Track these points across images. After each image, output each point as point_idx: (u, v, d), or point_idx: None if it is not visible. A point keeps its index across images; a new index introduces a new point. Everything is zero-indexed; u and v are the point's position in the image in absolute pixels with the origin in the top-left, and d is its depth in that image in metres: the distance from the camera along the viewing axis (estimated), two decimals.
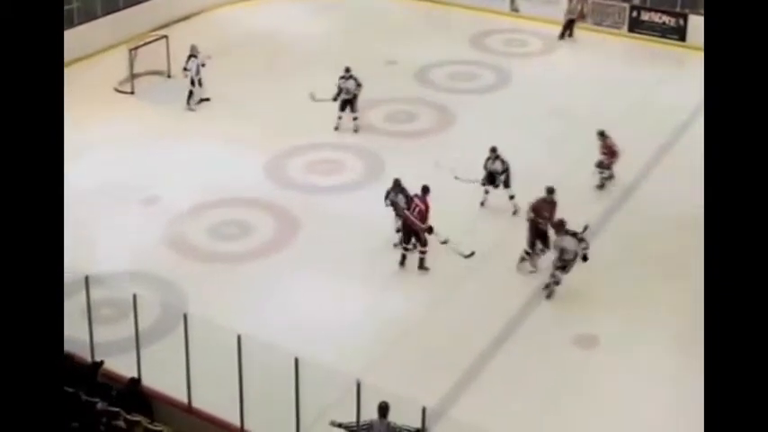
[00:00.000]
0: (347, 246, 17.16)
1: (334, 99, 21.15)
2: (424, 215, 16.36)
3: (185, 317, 12.95)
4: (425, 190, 16.57)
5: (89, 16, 25.78)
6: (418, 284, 16.31)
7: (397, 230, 17.01)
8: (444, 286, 16.33)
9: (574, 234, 15.71)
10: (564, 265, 15.76)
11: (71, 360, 13.55)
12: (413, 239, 16.56)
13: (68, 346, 13.92)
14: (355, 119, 21.39)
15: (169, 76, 24.12)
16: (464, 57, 25.91)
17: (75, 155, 20.23)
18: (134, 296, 13.28)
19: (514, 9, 28.88)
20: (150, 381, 13.49)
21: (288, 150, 20.65)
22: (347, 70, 21.26)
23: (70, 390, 13.12)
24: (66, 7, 24.76)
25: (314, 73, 23.72)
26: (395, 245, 16.95)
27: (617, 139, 19.23)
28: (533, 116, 22.34)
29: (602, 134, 19.17)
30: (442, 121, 22.22)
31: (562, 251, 15.74)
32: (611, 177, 19.31)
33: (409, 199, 16.68)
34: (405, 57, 25.66)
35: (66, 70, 23.90)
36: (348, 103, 21.30)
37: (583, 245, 15.72)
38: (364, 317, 15.59)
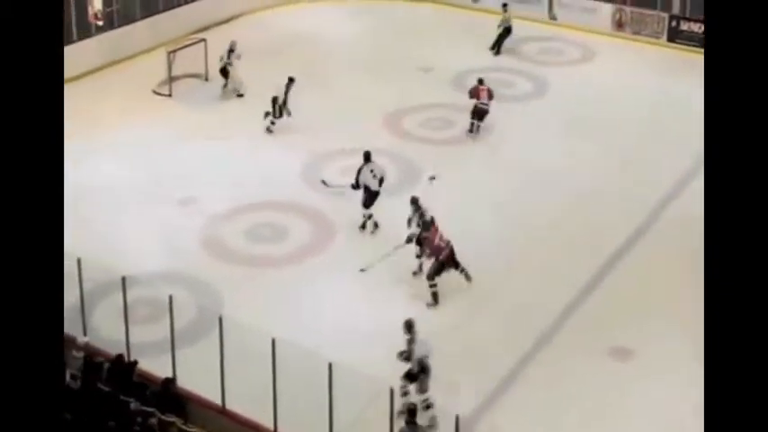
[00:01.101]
0: (382, 252, 17.07)
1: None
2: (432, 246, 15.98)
3: (220, 319, 13.03)
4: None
5: (128, 19, 26.00)
6: (454, 292, 16.26)
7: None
8: (478, 296, 16.25)
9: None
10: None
11: (121, 361, 13.66)
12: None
13: (105, 346, 14.18)
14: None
15: (207, 80, 24.26)
16: (500, 64, 25.86)
17: (112, 155, 20.56)
18: (170, 297, 13.36)
19: (552, 17, 28.80)
20: (184, 382, 13.55)
21: (324, 154, 20.69)
22: (367, 156, 18.17)
23: (107, 389, 13.25)
24: (106, 10, 25.02)
25: (352, 77, 23.74)
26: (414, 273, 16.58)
27: (654, 150, 19.17)
28: (569, 125, 22.25)
29: (480, 81, 21.56)
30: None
31: None
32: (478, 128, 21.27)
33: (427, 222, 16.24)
34: (441, 63, 25.65)
35: (104, 72, 24.75)
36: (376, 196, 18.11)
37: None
38: (399, 323, 15.52)
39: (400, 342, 13.81)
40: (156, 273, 16.27)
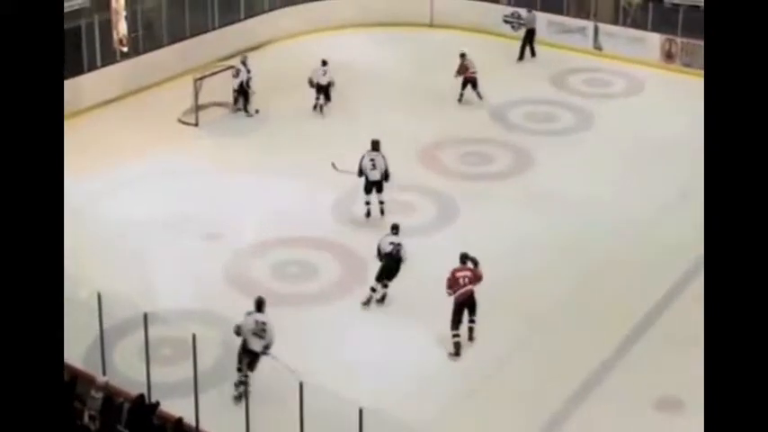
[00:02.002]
0: (417, 292, 17.19)
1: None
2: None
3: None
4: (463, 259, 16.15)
5: (154, 45, 26.41)
6: (492, 334, 16.30)
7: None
8: (519, 338, 16.30)
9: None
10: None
11: (141, 402, 13.78)
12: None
13: (126, 386, 14.31)
14: (381, 203, 19.78)
15: (242, 109, 24.58)
16: (543, 96, 26.02)
17: (135, 186, 20.84)
18: (193, 336, 13.43)
19: (597, 47, 28.93)
20: (208, 425, 13.60)
21: (357, 189, 20.83)
22: (374, 146, 19.56)
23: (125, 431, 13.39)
24: (131, 35, 25.45)
25: (385, 107, 23.95)
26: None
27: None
28: (616, 161, 22.31)
29: (462, 55, 24.80)
30: (518, 164, 22.29)
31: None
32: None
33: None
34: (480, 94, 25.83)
35: (129, 100, 25.12)
36: (374, 185, 19.65)
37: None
38: (434, 366, 15.61)
39: (436, 385, 13.79)
40: (180, 310, 16.47)
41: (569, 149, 23.01)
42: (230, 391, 14.43)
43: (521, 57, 28.24)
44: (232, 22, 28.37)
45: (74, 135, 19.81)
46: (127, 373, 14.86)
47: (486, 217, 19.66)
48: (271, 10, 29.67)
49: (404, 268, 17.19)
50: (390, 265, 16.87)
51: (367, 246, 18.50)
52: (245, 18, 28.85)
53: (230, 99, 24.67)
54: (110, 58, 25.29)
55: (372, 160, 19.33)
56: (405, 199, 20.50)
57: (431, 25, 30.70)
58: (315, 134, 23.22)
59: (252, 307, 14.75)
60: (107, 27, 25.00)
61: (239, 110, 24.56)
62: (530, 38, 28.48)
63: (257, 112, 24.47)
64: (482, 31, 30.15)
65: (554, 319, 16.77)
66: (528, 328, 16.53)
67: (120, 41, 25.18)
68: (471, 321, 16.01)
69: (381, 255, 16.91)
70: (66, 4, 22.76)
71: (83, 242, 17.91)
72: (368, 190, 19.54)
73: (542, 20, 29.31)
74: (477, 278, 15.92)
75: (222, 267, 18.09)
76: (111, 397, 13.98)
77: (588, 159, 22.43)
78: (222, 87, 24.31)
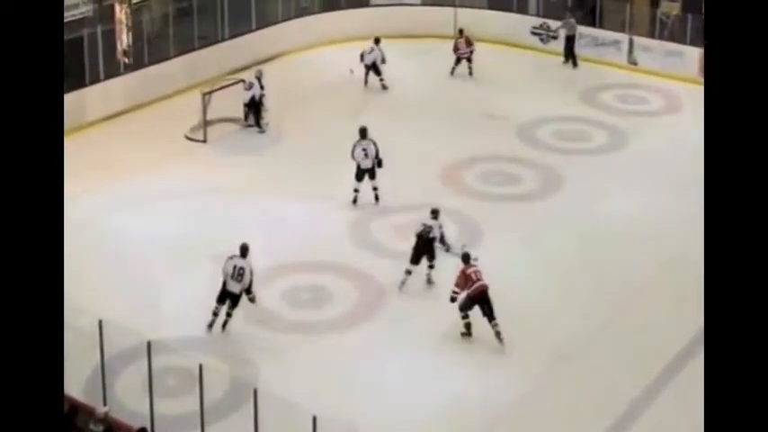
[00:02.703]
0: (439, 320, 17.23)
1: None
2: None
3: (255, 392, 13.15)
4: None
5: (160, 56, 26.61)
6: (522, 361, 16.34)
7: None
8: (549, 367, 16.33)
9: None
10: None
11: None
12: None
13: (128, 419, 14.38)
14: (375, 189, 21.14)
15: (251, 126, 24.74)
16: (574, 113, 26.10)
17: (140, 206, 20.95)
18: (200, 366, 13.53)
19: (632, 61, 28.99)
20: None
21: (374, 210, 20.96)
22: (362, 133, 21.15)
23: None
24: (137, 46, 25.67)
25: (405, 123, 24.05)
26: None
27: None
28: (651, 183, 22.33)
29: (461, 31, 27.84)
30: (546, 185, 22.35)
31: None
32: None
33: None
34: (506, 110, 25.96)
35: (134, 115, 25.31)
36: (366, 172, 21.06)
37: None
38: (460, 400, 15.59)
39: (463, 420, 13.76)
40: (186, 338, 16.55)
41: (601, 170, 23.03)
42: (238, 424, 14.46)
43: (567, 60, 28.85)
44: (243, 33, 28.63)
45: (75, 151, 20.02)
46: (129, 404, 14.93)
47: (510, 241, 19.68)
48: (284, 20, 29.90)
49: (423, 294, 17.55)
50: (419, 245, 18.06)
51: (385, 270, 18.67)
52: (257, 29, 29.07)
53: (240, 114, 24.83)
54: (114, 70, 25.52)
55: (364, 149, 20.83)
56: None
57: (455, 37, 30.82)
58: (330, 151, 23.35)
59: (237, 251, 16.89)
60: (111, 38, 25.24)
61: (250, 126, 24.73)
62: (570, 45, 28.65)
63: (268, 125, 24.62)
64: (509, 43, 30.33)
65: (585, 348, 16.77)
66: (557, 357, 16.53)
67: (125, 53, 25.41)
68: (495, 326, 16.44)
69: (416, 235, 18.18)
70: (67, 14, 23.02)
71: (83, 265, 18.03)
72: (359, 177, 20.99)
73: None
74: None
75: None
76: (112, 429, 14.03)
77: (622, 181, 22.42)
78: (232, 102, 24.48)
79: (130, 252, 19.29)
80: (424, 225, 18.16)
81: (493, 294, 16.59)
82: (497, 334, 16.38)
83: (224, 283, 16.80)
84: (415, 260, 18.08)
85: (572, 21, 29.02)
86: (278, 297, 18.07)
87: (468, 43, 28.14)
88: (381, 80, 26.83)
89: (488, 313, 16.43)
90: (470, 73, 28.03)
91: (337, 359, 16.49)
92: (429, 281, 18.29)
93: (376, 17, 30.86)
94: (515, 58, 29.94)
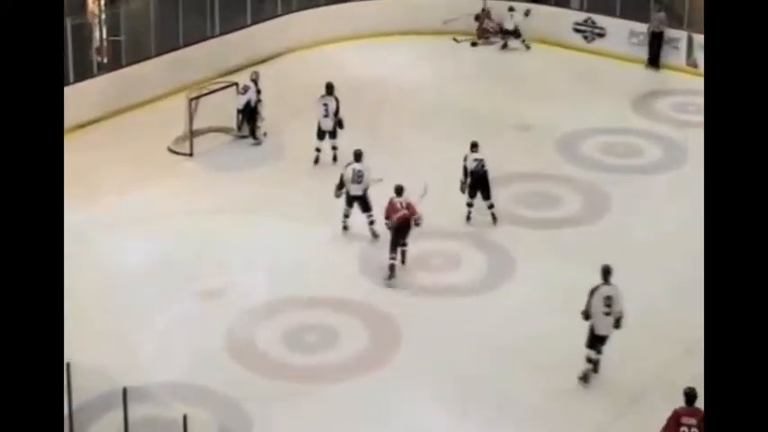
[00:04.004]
0: (467, 365, 17.33)
1: None
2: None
3: None
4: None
5: (140, 55, 26.77)
6: (570, 414, 16.34)
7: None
8: (602, 417, 16.36)
9: None
10: None
11: None
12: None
13: None
14: (334, 148, 23.50)
15: (245, 136, 24.92)
16: (623, 124, 26.22)
17: (115, 229, 21.02)
18: (184, 417, 13.54)
19: (692, 63, 29.00)
20: None
21: (389, 237, 20.97)
22: (328, 89, 23.46)
23: None
24: (111, 38, 25.79)
25: (426, 133, 24.13)
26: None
27: None
28: None
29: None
30: (591, 208, 22.41)
31: None
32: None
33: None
34: (544, 121, 26.08)
35: (109, 123, 25.42)
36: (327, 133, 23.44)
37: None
38: None
39: None
40: (168, 384, 16.55)
41: (655, 190, 23.08)
42: None
43: (652, 63, 29.10)
44: (236, 29, 28.79)
45: None
46: None
47: (547, 274, 19.64)
48: (284, 14, 30.10)
49: (442, 335, 17.76)
50: (477, 181, 21.11)
51: (399, 306, 18.75)
52: (253, 24, 29.28)
53: (233, 123, 24.94)
54: (85, 71, 25.62)
55: (325, 105, 23.20)
56: (449, 249, 20.74)
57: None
58: (336, 167, 23.43)
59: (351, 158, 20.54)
60: (82, 33, 25.35)
61: (244, 136, 24.83)
62: (658, 44, 28.81)
63: (265, 135, 24.75)
64: (547, 41, 30.44)
65: (638, 397, 16.77)
66: (614, 408, 16.54)
67: (98, 51, 25.52)
68: (403, 245, 19.58)
69: (467, 173, 21.12)
70: None
71: None
72: (320, 136, 23.35)
73: (623, 29, 29.54)
74: (411, 209, 19.47)
75: (222, 333, 18.17)
76: None
77: (679, 203, 22.35)
78: (223, 109, 24.60)
79: (102, 282, 19.34)
80: (477, 160, 21.09)
81: (524, 345, 17.13)
82: (403, 254, 19.64)
83: (347, 191, 20.63)
84: (473, 195, 21.33)
85: (662, 15, 28.94)
86: (277, 337, 18.12)
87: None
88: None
89: (402, 243, 19.51)
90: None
91: (342, 411, 16.47)
92: (494, 217, 21.39)
93: (389, 10, 31.03)
94: (555, 58, 30.01)
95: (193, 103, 24.31)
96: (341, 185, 20.70)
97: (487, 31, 30.19)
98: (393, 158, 23.14)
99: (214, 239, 20.94)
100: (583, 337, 16.77)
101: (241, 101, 24.58)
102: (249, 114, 24.67)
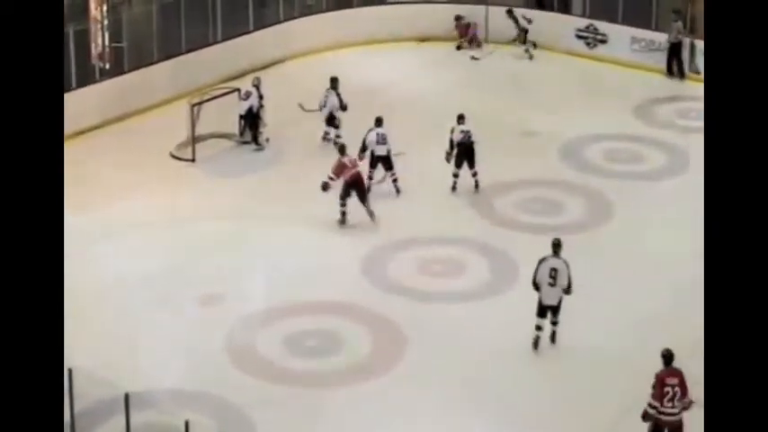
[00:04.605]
0: (470, 370, 17.30)
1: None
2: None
3: None
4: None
5: (142, 61, 26.79)
6: (578, 418, 16.27)
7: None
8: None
9: None
10: None
11: None
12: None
13: None
14: (336, 136, 24.32)
15: (247, 142, 24.90)
16: (626, 130, 26.16)
17: (116, 236, 21.01)
18: (186, 423, 13.56)
19: (694, 69, 28.96)
20: None
21: (393, 243, 20.97)
22: (332, 82, 24.49)
23: None
24: (113, 44, 25.77)
25: (429, 141, 24.09)
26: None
27: None
28: None
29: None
30: (594, 214, 22.38)
31: None
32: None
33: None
34: (547, 127, 26.05)
35: (111, 129, 25.40)
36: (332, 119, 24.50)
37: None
38: None
39: None
40: (169, 390, 16.55)
41: (658, 197, 23.04)
42: None
43: (672, 72, 28.90)
44: (239, 35, 28.79)
45: None
46: None
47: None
48: (287, 20, 30.10)
49: (446, 339, 17.83)
50: (464, 151, 22.47)
51: (402, 311, 18.72)
52: (255, 30, 29.25)
53: (235, 129, 24.94)
54: (87, 77, 25.63)
55: (326, 97, 24.42)
56: (452, 255, 20.67)
57: (486, 41, 31.02)
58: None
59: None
60: (84, 39, 25.34)
61: (246, 142, 24.81)
62: (677, 53, 28.76)
63: (268, 141, 24.72)
64: (549, 48, 30.40)
65: (640, 400, 16.64)
66: (617, 411, 16.36)
67: (100, 56, 25.50)
68: (365, 203, 21.37)
69: (453, 144, 22.43)
70: None
71: None
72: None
73: (625, 35, 29.51)
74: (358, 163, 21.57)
75: (223, 339, 18.15)
76: None
77: (682, 210, 22.29)
78: (225, 114, 24.58)
79: (103, 289, 19.32)
80: (464, 132, 22.35)
81: (528, 351, 17.23)
82: (371, 214, 21.30)
83: (372, 152, 22.42)
84: (459, 165, 22.53)
85: (679, 24, 28.82)
86: (279, 343, 18.06)
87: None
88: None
89: (362, 198, 21.23)
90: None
91: (344, 417, 16.43)
92: (476, 185, 22.64)
93: (393, 17, 31.12)
94: (557, 65, 29.98)
95: (196, 108, 24.33)
96: (364, 149, 22.42)
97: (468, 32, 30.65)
98: (397, 164, 23.08)
99: (216, 245, 20.92)
100: (589, 340, 16.70)
101: (243, 107, 24.57)
102: (251, 120, 24.65)
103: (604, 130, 26.08)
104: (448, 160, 22.53)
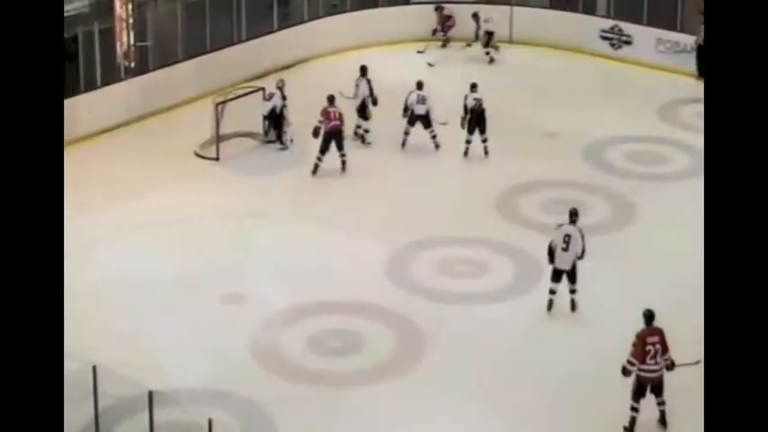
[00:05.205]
0: (491, 371, 17.30)
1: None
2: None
3: None
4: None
5: (167, 60, 26.87)
6: (597, 419, 16.22)
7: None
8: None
9: None
10: None
11: None
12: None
13: None
14: (365, 130, 24.84)
15: (271, 141, 24.93)
16: (650, 132, 26.11)
17: (141, 234, 21.08)
18: (209, 421, 13.57)
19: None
20: None
21: (415, 243, 20.96)
22: (362, 69, 25.24)
23: None
24: (138, 43, 25.84)
25: (456, 143, 24.10)
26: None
27: None
28: None
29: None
30: (617, 216, 22.35)
31: None
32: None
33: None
34: (570, 128, 26.02)
35: (135, 127, 25.49)
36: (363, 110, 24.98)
37: None
38: None
39: None
40: (193, 389, 16.57)
41: (682, 199, 22.90)
42: None
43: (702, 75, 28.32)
44: (263, 34, 28.89)
45: (66, 169, 20.01)
46: None
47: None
48: (311, 20, 30.12)
49: (468, 342, 17.83)
50: (476, 118, 23.81)
51: (424, 312, 18.75)
52: (280, 29, 29.33)
53: (259, 128, 24.97)
54: (112, 75, 25.71)
55: (357, 86, 24.96)
56: (474, 255, 20.64)
57: (510, 41, 30.95)
58: (363, 172, 23.40)
59: None
60: (110, 37, 25.40)
61: (270, 141, 24.84)
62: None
63: (291, 141, 24.74)
64: (573, 49, 30.38)
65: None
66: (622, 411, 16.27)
67: (126, 55, 25.56)
68: (342, 156, 23.15)
69: (467, 110, 23.91)
70: None
71: (74, 302, 18.01)
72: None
73: (650, 37, 29.41)
74: (341, 118, 23.16)
75: (246, 338, 18.19)
76: None
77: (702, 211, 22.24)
78: (249, 113, 24.66)
79: (129, 288, 19.38)
80: (476, 99, 23.79)
81: (551, 352, 17.11)
82: (343, 163, 23.15)
83: (411, 111, 24.29)
84: (471, 131, 23.93)
85: None
86: (302, 342, 18.10)
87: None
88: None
89: (339, 146, 22.97)
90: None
91: (367, 416, 16.45)
92: (486, 151, 24.05)
93: (418, 17, 31.10)
94: (581, 66, 29.92)
95: (220, 107, 24.41)
96: (406, 109, 24.27)
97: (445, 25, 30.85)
98: (419, 162, 23.11)
99: (240, 243, 20.98)
100: (609, 346, 16.72)
101: (266, 107, 24.63)
102: (275, 120, 24.68)
103: (628, 131, 26.04)
104: (462, 125, 23.94)
